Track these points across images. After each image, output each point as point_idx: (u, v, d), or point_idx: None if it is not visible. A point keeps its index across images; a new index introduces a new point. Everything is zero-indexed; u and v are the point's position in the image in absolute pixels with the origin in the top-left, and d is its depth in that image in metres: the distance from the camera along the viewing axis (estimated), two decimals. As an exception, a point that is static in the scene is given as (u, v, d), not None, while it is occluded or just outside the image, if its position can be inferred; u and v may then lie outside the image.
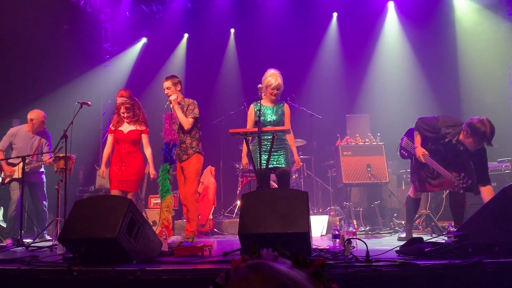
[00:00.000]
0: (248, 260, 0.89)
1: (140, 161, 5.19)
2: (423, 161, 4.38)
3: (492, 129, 3.95)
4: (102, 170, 5.31)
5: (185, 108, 4.95)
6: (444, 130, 4.28)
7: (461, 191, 4.03)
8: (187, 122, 4.87)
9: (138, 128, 5.22)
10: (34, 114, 5.84)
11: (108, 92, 8.57)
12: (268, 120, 4.59)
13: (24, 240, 4.82)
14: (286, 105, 4.80)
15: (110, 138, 5.28)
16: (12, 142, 5.81)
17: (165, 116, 4.99)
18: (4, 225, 5.89)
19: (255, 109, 4.58)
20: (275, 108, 4.67)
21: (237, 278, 0.83)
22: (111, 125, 5.31)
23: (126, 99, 5.22)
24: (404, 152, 4.84)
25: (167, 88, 4.97)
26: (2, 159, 5.67)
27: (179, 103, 4.97)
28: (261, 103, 4.58)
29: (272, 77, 4.60)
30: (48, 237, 5.71)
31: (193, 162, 4.91)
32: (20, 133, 5.84)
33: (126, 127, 5.21)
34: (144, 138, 5.24)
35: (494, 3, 7.44)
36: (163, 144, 4.91)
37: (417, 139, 4.53)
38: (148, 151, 5.27)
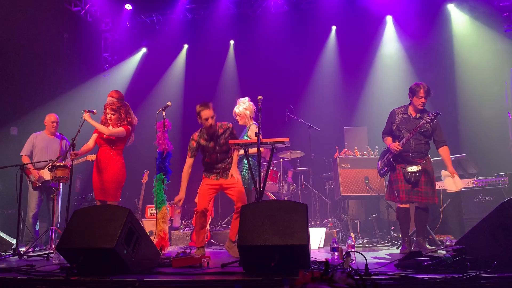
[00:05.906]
0: (317, 279, 0.91)
1: (118, 166, 4.88)
2: (400, 148, 4.57)
3: (424, 84, 4.68)
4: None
5: (227, 134, 4.59)
6: (397, 112, 4.85)
7: (435, 121, 4.54)
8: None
9: None
10: (46, 117, 6.21)
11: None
12: None
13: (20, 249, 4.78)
14: None
15: (93, 136, 5.00)
16: (34, 145, 6.07)
17: (157, 125, 4.70)
18: (2, 234, 5.83)
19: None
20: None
21: None
22: None
23: (114, 99, 4.96)
24: (382, 170, 4.95)
25: (212, 118, 4.43)
26: (28, 163, 5.68)
27: (220, 128, 4.61)
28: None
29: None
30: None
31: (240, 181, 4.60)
32: (41, 136, 6.15)
33: None
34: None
35: (491, 19, 7.53)
36: (156, 153, 4.70)
37: (388, 141, 4.82)
38: None
